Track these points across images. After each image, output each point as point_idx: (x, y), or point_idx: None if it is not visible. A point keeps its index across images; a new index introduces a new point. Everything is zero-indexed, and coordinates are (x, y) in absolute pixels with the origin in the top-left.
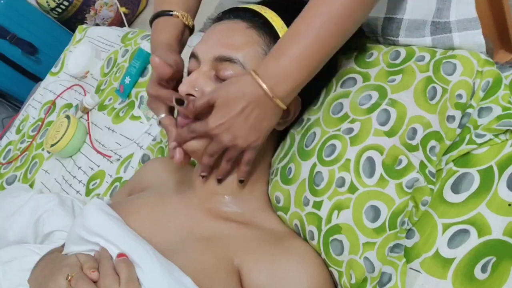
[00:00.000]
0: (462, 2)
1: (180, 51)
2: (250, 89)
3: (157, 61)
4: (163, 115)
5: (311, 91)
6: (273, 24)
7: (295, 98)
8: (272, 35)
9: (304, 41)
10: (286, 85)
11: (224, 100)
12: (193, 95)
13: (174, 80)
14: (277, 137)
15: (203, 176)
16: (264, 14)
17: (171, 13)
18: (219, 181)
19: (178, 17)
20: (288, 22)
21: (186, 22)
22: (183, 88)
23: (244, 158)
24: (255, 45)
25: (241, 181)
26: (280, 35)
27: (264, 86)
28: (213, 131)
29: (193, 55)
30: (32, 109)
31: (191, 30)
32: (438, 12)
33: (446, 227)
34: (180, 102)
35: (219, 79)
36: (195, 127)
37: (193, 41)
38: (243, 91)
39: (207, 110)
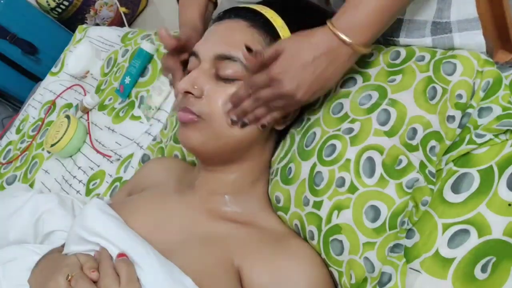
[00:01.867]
0: (463, 2)
1: (204, 27)
2: (323, 41)
3: (163, 33)
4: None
5: None
6: (274, 23)
7: None
8: (272, 35)
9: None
10: (360, 37)
11: (293, 49)
12: (192, 94)
13: (186, 53)
14: (277, 137)
15: (232, 121)
16: (265, 14)
17: None
18: (243, 125)
19: None
20: (288, 21)
21: None
22: (182, 86)
23: (283, 108)
24: (256, 43)
25: (263, 127)
26: (281, 34)
27: (342, 36)
28: (277, 76)
29: (193, 54)
30: (32, 109)
31: (215, 3)
32: (438, 12)
33: (446, 227)
34: (248, 49)
35: (219, 77)
36: (255, 80)
37: None
38: (316, 42)
39: (272, 61)
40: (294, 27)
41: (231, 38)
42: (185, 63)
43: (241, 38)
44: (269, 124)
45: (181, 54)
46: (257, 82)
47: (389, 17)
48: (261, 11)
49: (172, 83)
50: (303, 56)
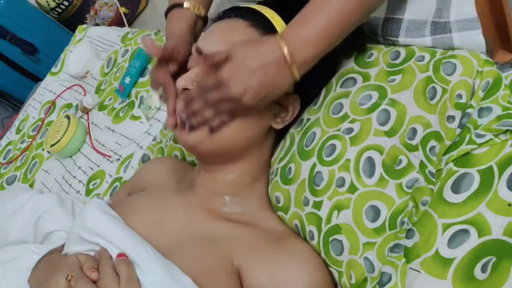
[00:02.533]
0: (462, 2)
1: (192, 41)
2: (272, 51)
3: (147, 42)
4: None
5: (311, 91)
6: (273, 23)
7: (294, 98)
8: (272, 34)
9: (328, 12)
10: (307, 53)
11: (243, 55)
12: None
13: (175, 63)
14: (277, 137)
15: (183, 123)
16: (265, 13)
17: (183, 5)
18: (191, 128)
19: (189, 8)
20: (288, 21)
21: (198, 13)
22: (181, 83)
23: (231, 111)
24: None
25: (211, 130)
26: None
27: (285, 50)
28: (224, 79)
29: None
30: (32, 109)
31: (204, 20)
32: (438, 12)
33: (446, 227)
34: (199, 51)
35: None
36: (204, 82)
37: None
38: (266, 50)
39: (223, 64)
40: None
41: (230, 37)
42: (175, 76)
43: (241, 37)
44: (218, 129)
45: (170, 64)
46: (206, 84)
47: (337, 35)
48: (261, 11)
49: (163, 98)
50: (250, 62)
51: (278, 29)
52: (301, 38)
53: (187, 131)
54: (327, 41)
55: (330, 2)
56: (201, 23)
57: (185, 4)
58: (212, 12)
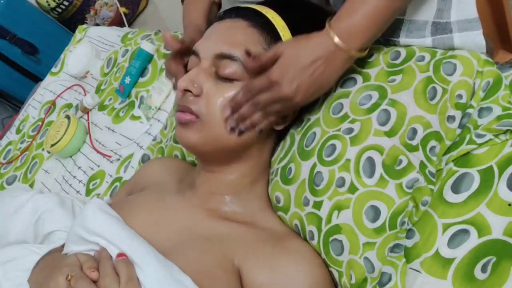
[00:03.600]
0: (463, 3)
1: (208, 28)
2: (320, 45)
3: (167, 36)
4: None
5: None
6: (274, 23)
7: None
8: (273, 35)
9: (372, 1)
10: (356, 42)
11: (292, 53)
12: (191, 92)
13: (189, 56)
14: (277, 137)
15: (232, 129)
16: (266, 14)
17: None
18: (240, 133)
19: None
20: (289, 22)
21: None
22: (182, 84)
23: (280, 111)
24: (256, 43)
25: (260, 131)
26: (281, 35)
27: (336, 39)
28: (276, 79)
29: (193, 52)
30: (32, 109)
31: (218, 5)
32: (438, 12)
33: (446, 227)
34: (248, 53)
35: (219, 77)
36: (254, 84)
37: None
38: (314, 45)
39: (270, 65)
40: (295, 27)
41: (231, 38)
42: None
43: (241, 38)
44: (266, 129)
45: (184, 57)
46: (256, 86)
47: (383, 22)
48: (262, 11)
49: (175, 87)
50: (301, 59)
51: (278, 29)
52: (349, 28)
53: (236, 135)
54: (374, 29)
55: None
56: (215, 8)
57: None
58: None
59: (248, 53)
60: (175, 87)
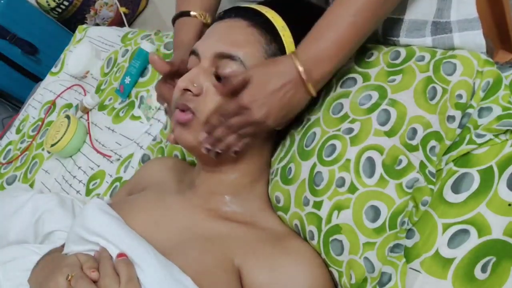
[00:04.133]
0: (463, 2)
1: None
2: (288, 70)
3: (155, 58)
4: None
5: None
6: (274, 23)
7: None
8: (272, 34)
9: (341, 26)
10: (322, 69)
11: (261, 77)
12: (191, 91)
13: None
14: (277, 137)
15: (208, 150)
16: (266, 14)
17: (190, 13)
18: (218, 154)
19: (196, 17)
20: (288, 21)
21: (205, 21)
22: (182, 84)
23: (254, 134)
24: (256, 43)
25: (236, 153)
26: (281, 35)
27: (301, 68)
28: (246, 105)
29: (193, 52)
30: (32, 109)
31: (209, 26)
32: (438, 12)
33: (446, 227)
34: (218, 77)
35: (219, 76)
36: (225, 108)
37: None
38: (282, 70)
39: (241, 89)
40: (295, 27)
41: (231, 37)
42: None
43: (241, 37)
44: (241, 150)
45: (175, 78)
46: (227, 110)
47: (350, 48)
48: (262, 11)
49: (168, 113)
50: (271, 83)
51: (278, 29)
52: (315, 55)
53: (214, 158)
54: (341, 55)
55: (340, 16)
56: (207, 29)
57: (192, 13)
58: None
59: (218, 78)
60: (167, 111)
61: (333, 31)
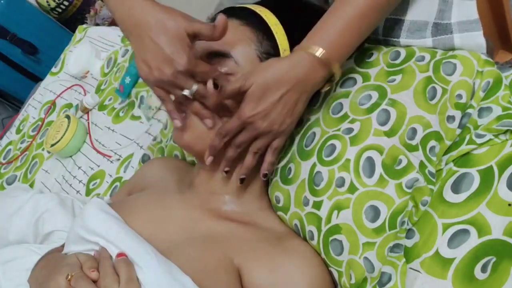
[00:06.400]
0: (464, 4)
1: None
2: (290, 73)
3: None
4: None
5: None
6: (267, 21)
7: None
8: (266, 33)
9: (345, 16)
10: (338, 49)
11: (259, 87)
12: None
13: None
14: None
15: (226, 172)
16: (259, 13)
17: None
18: (242, 180)
19: None
20: (284, 20)
21: None
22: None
23: (273, 145)
24: (248, 41)
25: (265, 175)
26: (274, 32)
27: (317, 52)
28: (248, 120)
29: None
30: (32, 109)
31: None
32: (440, 13)
33: (446, 227)
34: (215, 84)
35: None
36: (226, 128)
37: None
38: (281, 75)
39: (237, 96)
40: (290, 26)
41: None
42: None
43: (232, 37)
44: (275, 163)
45: None
46: (230, 130)
47: (357, 36)
48: (255, 10)
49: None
50: (270, 94)
51: (271, 27)
52: (328, 37)
53: (240, 184)
54: (355, 39)
55: (343, 8)
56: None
57: None
58: (211, 12)
59: (216, 85)
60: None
61: (339, 20)
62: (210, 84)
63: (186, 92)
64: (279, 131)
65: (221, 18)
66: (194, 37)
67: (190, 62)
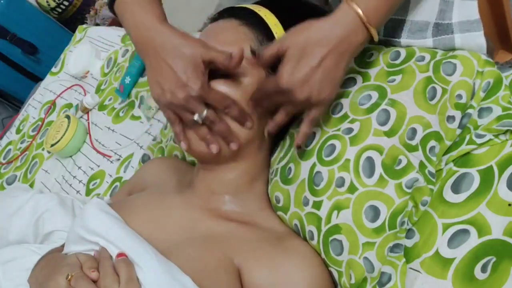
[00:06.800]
0: (465, 4)
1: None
2: (330, 33)
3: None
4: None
5: None
6: (267, 21)
7: None
8: (265, 32)
9: None
10: (378, 16)
11: (298, 49)
12: None
13: None
14: (276, 137)
15: (298, 146)
16: (258, 12)
17: None
18: (268, 133)
19: None
20: (283, 20)
21: None
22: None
23: (310, 115)
24: (247, 41)
25: (299, 147)
26: (273, 32)
27: (360, 11)
28: (287, 86)
29: None
30: (32, 109)
31: None
32: (441, 13)
33: (446, 227)
34: (253, 52)
35: (254, 51)
36: (266, 88)
37: None
38: (321, 36)
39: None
40: (290, 25)
41: (221, 36)
42: None
43: (231, 37)
44: (309, 134)
45: None
46: (269, 90)
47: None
48: (255, 10)
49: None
50: (309, 57)
51: (271, 27)
52: (367, 1)
53: (266, 135)
54: (384, 9)
55: None
56: None
57: None
58: (211, 13)
59: (253, 52)
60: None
61: None
62: (247, 51)
63: (196, 117)
64: (318, 100)
65: (239, 50)
66: (209, 63)
67: (203, 88)
